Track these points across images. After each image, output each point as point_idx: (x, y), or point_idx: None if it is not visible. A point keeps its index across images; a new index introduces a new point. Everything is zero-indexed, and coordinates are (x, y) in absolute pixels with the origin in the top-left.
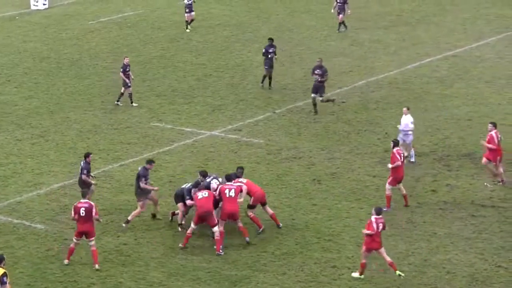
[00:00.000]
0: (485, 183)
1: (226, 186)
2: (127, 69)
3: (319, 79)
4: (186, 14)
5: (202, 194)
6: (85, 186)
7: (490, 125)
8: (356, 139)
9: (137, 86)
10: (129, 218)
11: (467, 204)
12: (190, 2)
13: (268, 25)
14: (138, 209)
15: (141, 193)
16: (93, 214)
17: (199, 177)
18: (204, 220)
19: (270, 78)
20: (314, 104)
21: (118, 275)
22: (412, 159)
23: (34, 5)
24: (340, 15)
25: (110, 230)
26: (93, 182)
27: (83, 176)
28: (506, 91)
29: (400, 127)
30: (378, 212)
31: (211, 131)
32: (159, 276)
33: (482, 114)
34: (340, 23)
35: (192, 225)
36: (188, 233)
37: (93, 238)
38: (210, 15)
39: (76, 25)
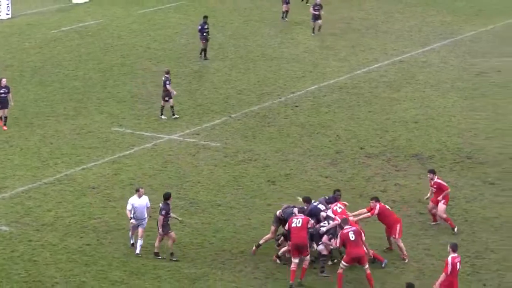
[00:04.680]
0: None
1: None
2: (167, 82)
3: None
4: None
5: (296, 222)
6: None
7: None
8: (309, 142)
9: (98, 93)
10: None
11: (414, 203)
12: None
13: (224, 32)
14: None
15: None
16: None
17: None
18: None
19: (205, 51)
20: None
21: (82, 274)
22: None
23: None
24: (316, 22)
25: (73, 232)
26: (159, 229)
27: (160, 217)
28: (451, 95)
29: None
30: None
31: (169, 135)
32: (121, 275)
33: (428, 116)
34: (314, 28)
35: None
36: (293, 268)
37: None
38: (168, 24)
39: (38, 34)
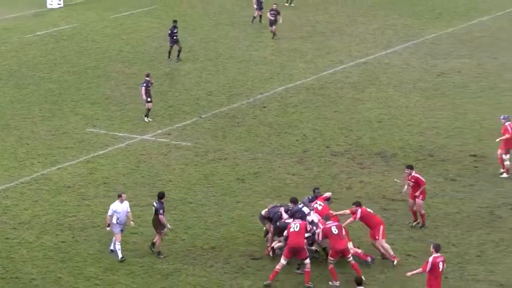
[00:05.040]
0: (395, 179)
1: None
2: (149, 85)
3: None
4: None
5: (294, 226)
6: (162, 226)
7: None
8: (277, 141)
9: (72, 95)
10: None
11: (378, 199)
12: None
13: (194, 36)
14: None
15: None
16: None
17: (290, 204)
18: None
19: (179, 52)
20: None
21: (57, 270)
22: None
23: None
24: (273, 27)
25: (49, 229)
26: (169, 226)
27: (160, 217)
28: (413, 95)
29: None
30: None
31: (142, 135)
32: (96, 270)
33: (391, 116)
34: (273, 33)
35: (282, 260)
36: (277, 269)
37: None
38: (140, 28)
39: (14, 39)
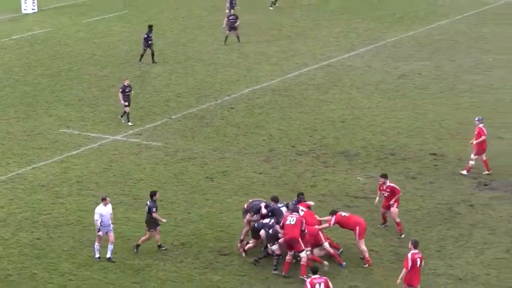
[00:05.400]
0: (358, 177)
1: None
2: (127, 90)
3: None
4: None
5: (290, 220)
6: (153, 224)
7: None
8: (244, 141)
9: (46, 97)
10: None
11: (342, 196)
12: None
13: (164, 40)
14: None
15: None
16: None
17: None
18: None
19: (153, 55)
20: None
21: (33, 266)
22: None
23: None
24: (232, 31)
25: (25, 227)
26: (163, 220)
27: (154, 214)
28: (375, 96)
29: None
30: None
31: (114, 136)
32: (70, 266)
33: (354, 116)
34: (227, 37)
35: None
36: (288, 259)
37: None
38: (111, 32)
39: None
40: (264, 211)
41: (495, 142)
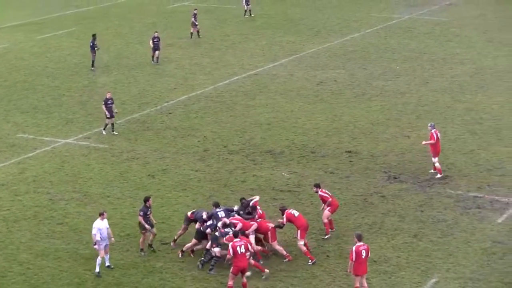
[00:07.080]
0: (283, 173)
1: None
2: (109, 102)
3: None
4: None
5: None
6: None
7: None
8: (181, 142)
9: (5, 105)
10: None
11: (269, 190)
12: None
13: (109, 53)
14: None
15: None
16: None
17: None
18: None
19: (93, 62)
20: None
21: None
22: None
23: None
24: (156, 52)
25: None
26: (146, 225)
27: (139, 218)
28: (296, 101)
29: None
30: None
31: (65, 139)
32: (28, 257)
33: (279, 119)
34: (154, 57)
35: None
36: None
37: None
38: (62, 46)
39: None
40: (205, 216)
41: (403, 141)
